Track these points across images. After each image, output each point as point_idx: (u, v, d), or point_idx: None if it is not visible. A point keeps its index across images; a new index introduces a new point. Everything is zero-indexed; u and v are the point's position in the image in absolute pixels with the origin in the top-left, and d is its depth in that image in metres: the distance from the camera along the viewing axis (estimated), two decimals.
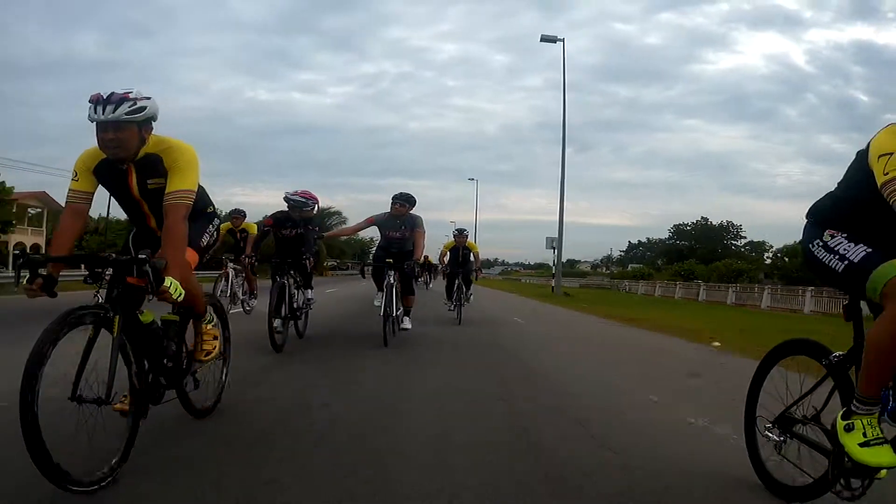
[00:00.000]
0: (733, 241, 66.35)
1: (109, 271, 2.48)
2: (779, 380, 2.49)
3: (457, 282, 10.29)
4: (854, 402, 1.99)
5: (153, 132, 2.70)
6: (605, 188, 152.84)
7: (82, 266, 2.73)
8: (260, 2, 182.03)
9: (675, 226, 72.26)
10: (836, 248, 2.09)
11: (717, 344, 8.40)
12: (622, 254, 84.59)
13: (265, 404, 3.73)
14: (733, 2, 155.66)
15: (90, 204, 2.78)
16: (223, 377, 3.55)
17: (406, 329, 7.18)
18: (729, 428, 3.16)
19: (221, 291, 8.72)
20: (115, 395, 2.27)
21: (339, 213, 68.06)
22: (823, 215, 2.26)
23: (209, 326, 3.18)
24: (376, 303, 6.84)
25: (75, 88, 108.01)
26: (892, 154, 1.85)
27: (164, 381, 2.79)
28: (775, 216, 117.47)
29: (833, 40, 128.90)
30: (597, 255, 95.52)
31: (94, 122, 2.53)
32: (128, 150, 2.60)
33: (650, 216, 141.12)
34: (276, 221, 6.70)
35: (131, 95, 2.54)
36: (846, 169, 2.21)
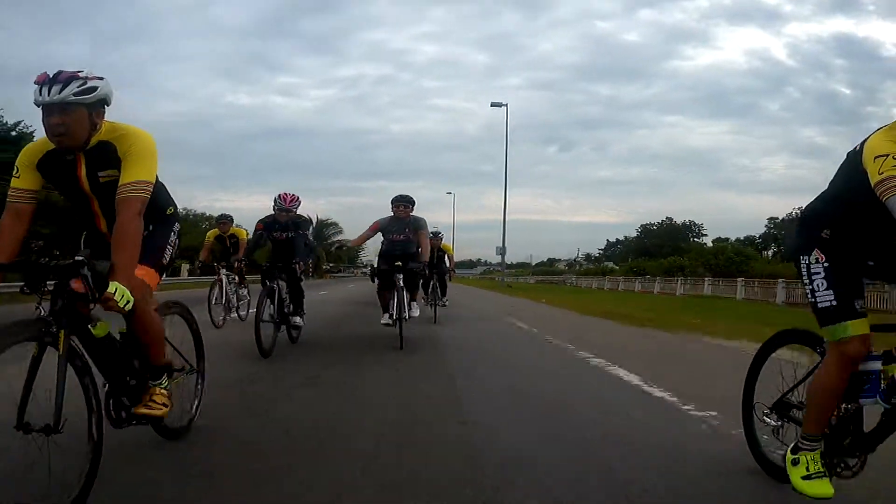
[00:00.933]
0: (695, 239, 68.98)
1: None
2: (773, 368, 2.51)
3: (432, 283, 10.49)
4: (800, 439, 2.21)
5: (106, 118, 2.41)
6: (589, 186, 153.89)
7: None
8: (240, 7, 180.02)
9: (642, 225, 75.75)
10: (813, 279, 2.20)
11: (544, 300, 18.96)
12: (601, 252, 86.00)
13: (246, 421, 3.39)
14: None
15: (35, 203, 2.47)
16: (198, 393, 3.22)
17: (414, 316, 7.06)
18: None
19: (216, 299, 8.44)
20: (66, 422, 1.96)
21: (335, 224, 71.77)
22: (815, 217, 2.29)
23: (161, 389, 2.61)
24: (383, 321, 6.74)
25: None
26: (888, 156, 1.89)
27: (128, 401, 2.49)
28: (760, 210, 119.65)
29: (814, 34, 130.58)
30: (581, 252, 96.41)
31: (40, 106, 2.25)
32: (76, 138, 2.31)
33: (636, 213, 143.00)
34: (265, 225, 6.66)
35: (81, 74, 2.28)
36: (836, 169, 2.23)
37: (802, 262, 2.26)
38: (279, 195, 6.54)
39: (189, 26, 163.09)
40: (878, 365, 2.07)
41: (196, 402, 3.20)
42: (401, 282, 6.59)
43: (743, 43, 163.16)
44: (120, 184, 2.34)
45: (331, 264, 67.99)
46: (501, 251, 36.20)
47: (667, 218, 73.35)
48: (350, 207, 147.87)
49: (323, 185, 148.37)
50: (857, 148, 2.08)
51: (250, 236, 7.67)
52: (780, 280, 21.68)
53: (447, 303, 11.10)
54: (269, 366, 5.28)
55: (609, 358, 5.89)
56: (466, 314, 12.15)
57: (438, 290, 10.59)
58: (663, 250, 60.16)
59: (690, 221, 71.94)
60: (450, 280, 11.64)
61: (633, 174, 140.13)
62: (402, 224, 6.87)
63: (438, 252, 10.84)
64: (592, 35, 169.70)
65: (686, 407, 3.81)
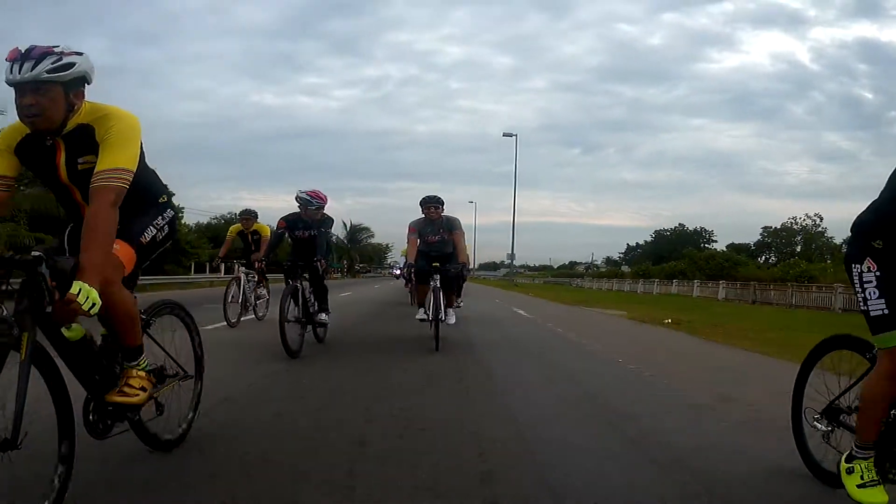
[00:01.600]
0: (705, 245, 69.64)
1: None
2: (820, 374, 2.56)
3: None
4: (854, 447, 2.24)
5: (86, 98, 2.20)
6: (612, 189, 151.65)
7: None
8: (265, 7, 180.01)
9: (656, 231, 77.32)
10: (864, 286, 2.24)
11: (531, 294, 27.04)
12: (621, 255, 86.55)
13: (258, 426, 3.15)
14: (737, 1, 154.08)
15: (12, 191, 2.24)
16: (194, 400, 2.91)
17: (451, 323, 7.01)
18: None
19: (233, 297, 8.21)
20: (27, 436, 1.73)
21: (367, 229, 75.59)
22: (867, 226, 2.31)
23: (138, 371, 2.34)
24: (419, 317, 6.80)
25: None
26: None
27: (111, 408, 2.25)
28: (783, 214, 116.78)
29: (838, 38, 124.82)
30: (603, 255, 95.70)
31: (11, 85, 2.06)
32: (51, 120, 2.11)
33: (661, 216, 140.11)
34: (288, 223, 6.56)
35: (56, 49, 2.08)
36: (887, 180, 2.25)
37: (854, 270, 2.30)
38: (307, 192, 6.28)
39: (214, 26, 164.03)
40: None
41: (192, 412, 2.90)
42: (437, 282, 6.57)
43: (768, 47, 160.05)
44: (95, 171, 2.11)
45: (362, 265, 72.57)
46: (511, 256, 50.87)
47: (679, 224, 75.08)
48: (374, 207, 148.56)
49: (347, 185, 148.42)
50: None
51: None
52: (751, 282, 25.79)
53: (461, 304, 11.13)
54: (290, 366, 5.20)
55: (538, 316, 12.70)
56: (475, 302, 15.95)
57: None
58: (672, 255, 60.70)
59: (702, 228, 73.16)
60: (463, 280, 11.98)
61: (657, 177, 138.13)
62: (435, 225, 6.85)
63: None
64: (616, 38, 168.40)
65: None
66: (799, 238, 61.78)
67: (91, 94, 2.25)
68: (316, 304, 6.37)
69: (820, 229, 60.46)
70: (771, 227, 64.49)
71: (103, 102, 2.28)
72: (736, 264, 39.81)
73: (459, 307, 11.14)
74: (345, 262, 64.45)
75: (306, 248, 6.42)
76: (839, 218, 62.64)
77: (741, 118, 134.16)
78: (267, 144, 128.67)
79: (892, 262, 2.22)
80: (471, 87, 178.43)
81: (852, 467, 2.23)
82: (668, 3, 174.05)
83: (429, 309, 6.64)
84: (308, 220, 6.40)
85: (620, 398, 4.27)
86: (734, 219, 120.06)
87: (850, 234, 2.42)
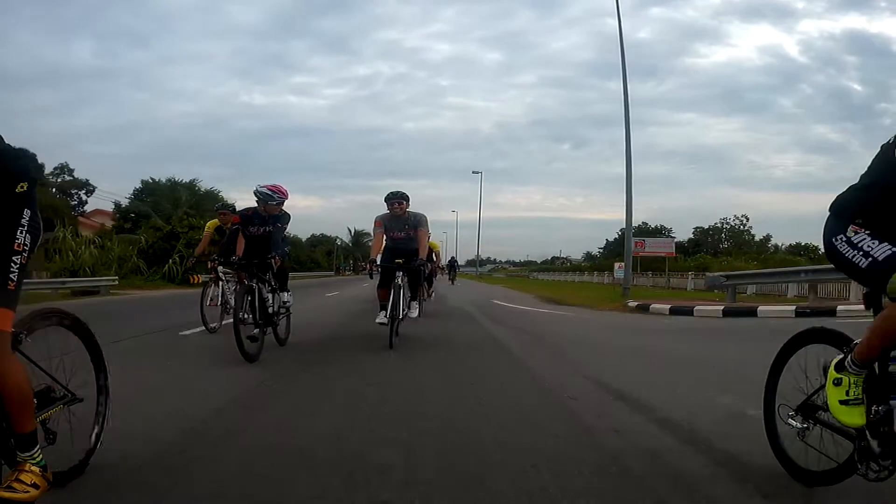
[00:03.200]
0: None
1: None
2: (797, 369, 2.43)
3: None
4: (849, 359, 2.09)
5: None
6: (602, 183, 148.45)
7: None
8: (254, 6, 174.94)
9: (620, 230, 78.74)
10: (860, 245, 2.06)
11: (484, 282, 42.44)
12: (600, 250, 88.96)
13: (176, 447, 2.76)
14: None
15: None
16: (98, 420, 2.50)
17: (412, 316, 6.88)
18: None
19: (211, 299, 7.65)
20: None
21: (368, 234, 78.67)
22: (846, 208, 2.20)
23: (31, 466, 1.91)
24: (378, 321, 6.40)
25: (70, 97, 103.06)
26: None
27: None
28: (772, 208, 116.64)
29: (826, 30, 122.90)
30: (591, 248, 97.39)
31: None
32: None
33: (650, 210, 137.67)
34: (243, 218, 6.29)
35: None
36: (870, 161, 2.16)
37: (838, 242, 2.14)
38: (266, 187, 6.00)
39: (203, 26, 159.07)
40: None
41: (95, 432, 2.49)
42: (400, 279, 6.36)
43: (756, 40, 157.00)
44: None
45: (362, 263, 78.59)
46: (476, 257, 66.07)
47: (643, 222, 78.41)
48: (364, 205, 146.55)
49: (338, 183, 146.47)
50: (891, 140, 2.02)
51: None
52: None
53: (433, 295, 11.97)
54: (250, 370, 4.93)
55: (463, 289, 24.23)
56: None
57: (426, 285, 10.93)
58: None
59: (661, 225, 76.53)
60: (436, 277, 12.75)
61: (646, 171, 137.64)
62: (400, 221, 6.64)
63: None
64: (604, 33, 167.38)
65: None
66: (724, 236, 65.62)
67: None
68: (273, 305, 5.96)
69: (745, 227, 64.76)
70: (702, 228, 68.67)
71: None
72: (663, 258, 42.64)
73: (430, 298, 11.72)
74: (350, 262, 78.86)
75: (260, 245, 6.11)
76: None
77: (729, 112, 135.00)
78: (257, 144, 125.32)
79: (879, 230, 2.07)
80: (460, 83, 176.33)
81: (840, 378, 2.11)
82: None
83: (392, 309, 6.29)
84: (265, 215, 6.12)
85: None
86: (723, 212, 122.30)
87: (828, 213, 2.28)
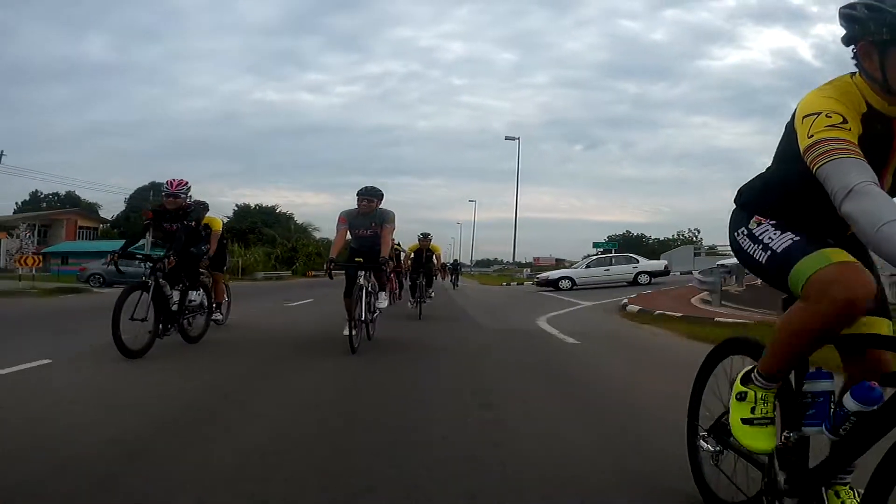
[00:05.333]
0: (645, 245, 77.50)
1: None
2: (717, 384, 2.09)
3: (419, 281, 10.75)
4: (755, 372, 1.74)
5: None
6: (614, 185, 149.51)
7: None
8: (267, 3, 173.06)
9: (608, 236, 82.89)
10: (760, 238, 1.74)
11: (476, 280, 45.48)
12: (599, 252, 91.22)
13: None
14: None
15: None
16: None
17: (381, 308, 6.48)
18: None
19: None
20: None
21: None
22: (752, 199, 1.88)
23: None
24: (346, 332, 5.71)
25: (84, 92, 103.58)
26: (819, 114, 1.47)
27: None
28: None
29: (840, 34, 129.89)
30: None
31: None
32: None
33: (662, 213, 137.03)
34: (155, 214, 6.10)
35: None
36: (776, 151, 1.81)
37: (739, 235, 1.82)
38: (167, 181, 5.84)
39: (217, 22, 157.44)
40: (828, 385, 1.65)
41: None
42: (362, 279, 5.88)
43: (770, 43, 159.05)
44: None
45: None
46: (471, 255, 59.15)
47: (626, 231, 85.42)
48: None
49: (349, 181, 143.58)
50: (793, 113, 1.62)
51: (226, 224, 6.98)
52: None
53: (433, 295, 11.52)
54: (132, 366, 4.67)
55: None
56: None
57: (425, 286, 10.82)
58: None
59: (641, 234, 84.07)
60: (436, 278, 12.47)
61: (658, 174, 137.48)
62: (367, 219, 6.15)
63: (427, 252, 11.41)
64: (618, 34, 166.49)
65: None
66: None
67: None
68: (178, 305, 5.72)
69: (697, 239, 68.32)
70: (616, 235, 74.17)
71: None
72: None
73: (431, 298, 11.30)
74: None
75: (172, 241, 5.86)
76: None
77: (743, 116, 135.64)
78: (269, 141, 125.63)
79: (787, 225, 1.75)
80: (473, 83, 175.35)
81: (745, 392, 1.73)
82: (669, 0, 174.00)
83: (357, 315, 5.70)
84: (172, 210, 5.88)
85: None
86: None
87: (733, 206, 1.96)
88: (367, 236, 6.21)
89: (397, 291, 15.31)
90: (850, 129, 1.46)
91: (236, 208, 56.98)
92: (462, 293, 21.48)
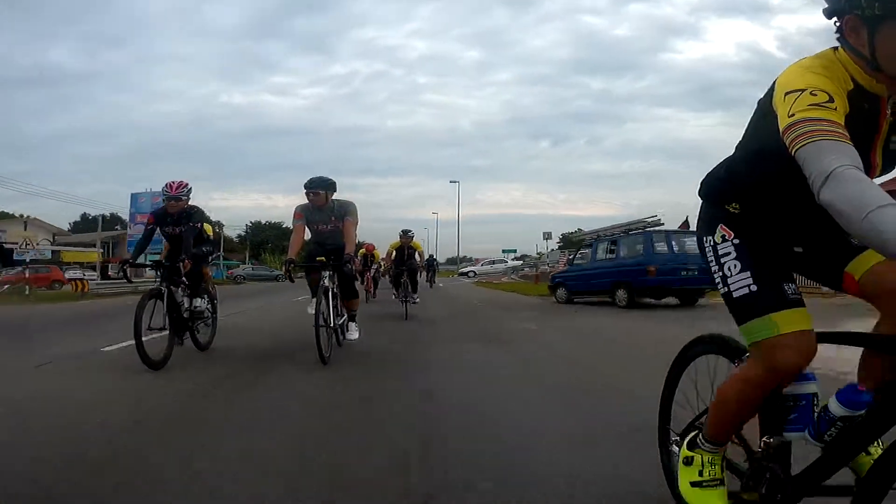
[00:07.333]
0: None
1: None
2: (689, 385, 1.97)
3: (402, 279, 10.44)
4: (700, 435, 1.70)
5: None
6: (582, 180, 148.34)
7: None
8: (232, 8, 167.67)
9: (562, 235, 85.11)
10: (722, 262, 1.63)
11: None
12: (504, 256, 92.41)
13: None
14: None
15: None
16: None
17: (352, 339, 5.88)
18: None
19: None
20: None
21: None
22: (719, 190, 1.72)
23: None
24: (310, 310, 5.22)
25: (50, 98, 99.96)
26: (802, 91, 1.32)
27: None
28: None
29: (803, 25, 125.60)
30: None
31: None
32: None
33: (630, 206, 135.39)
34: (156, 218, 5.80)
35: None
36: (743, 135, 1.64)
37: (706, 244, 1.70)
38: (166, 183, 5.55)
39: (182, 27, 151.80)
40: (812, 387, 1.54)
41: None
42: (326, 280, 5.38)
43: (733, 36, 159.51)
44: None
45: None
46: (457, 253, 66.48)
47: (578, 228, 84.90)
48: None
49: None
50: (769, 89, 1.46)
51: (218, 230, 6.73)
52: None
53: (418, 300, 10.97)
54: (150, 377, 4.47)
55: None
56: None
57: (409, 287, 10.44)
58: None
59: (654, 216, 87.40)
60: (421, 276, 12.27)
61: (626, 167, 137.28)
62: (324, 212, 5.64)
63: (409, 249, 11.07)
64: (582, 29, 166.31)
65: None
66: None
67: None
68: (189, 310, 5.58)
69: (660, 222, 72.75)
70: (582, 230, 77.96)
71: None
72: None
73: (416, 303, 10.91)
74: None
75: (177, 246, 5.64)
76: None
77: (707, 108, 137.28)
78: (238, 144, 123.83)
79: (753, 231, 1.63)
80: (439, 81, 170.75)
81: (692, 457, 1.68)
82: None
83: (317, 314, 5.12)
84: (175, 214, 5.65)
85: None
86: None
87: (698, 198, 1.81)
88: (326, 231, 5.74)
89: (372, 290, 14.99)
90: (835, 109, 1.31)
91: (250, 224, 72.61)
92: (443, 291, 21.87)
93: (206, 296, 5.90)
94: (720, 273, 1.64)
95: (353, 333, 5.96)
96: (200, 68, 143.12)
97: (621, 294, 12.69)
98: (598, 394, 3.95)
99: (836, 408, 1.44)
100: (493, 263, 49.16)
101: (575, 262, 15.88)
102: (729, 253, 1.63)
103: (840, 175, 1.18)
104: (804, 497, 1.47)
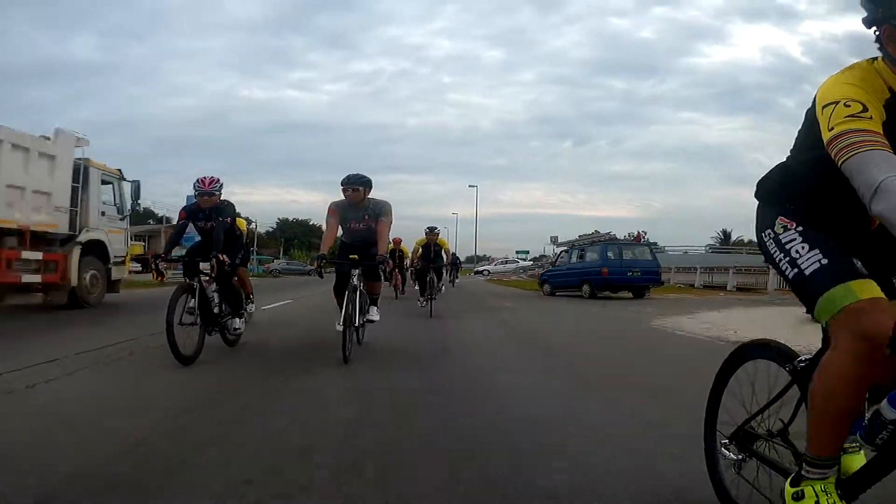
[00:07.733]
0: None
1: None
2: (737, 389, 2.02)
3: (428, 276, 10.40)
4: (804, 465, 1.53)
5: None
6: (604, 180, 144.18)
7: None
8: (253, 2, 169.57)
9: (580, 235, 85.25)
10: (788, 248, 1.62)
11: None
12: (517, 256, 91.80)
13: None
14: None
15: None
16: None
17: (372, 321, 5.90)
18: None
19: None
20: None
21: None
22: (774, 192, 1.77)
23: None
24: (338, 327, 5.09)
25: (71, 91, 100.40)
26: (837, 103, 1.38)
27: None
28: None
29: (828, 32, 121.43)
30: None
31: None
32: None
33: (651, 208, 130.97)
34: (189, 213, 5.80)
35: None
36: (796, 137, 1.72)
37: (766, 238, 1.69)
38: (198, 179, 5.53)
39: (203, 21, 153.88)
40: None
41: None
42: (356, 279, 5.35)
43: (758, 40, 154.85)
44: None
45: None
46: (475, 251, 68.81)
47: (595, 230, 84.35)
48: None
49: (339, 178, 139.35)
50: (812, 102, 1.54)
51: (251, 227, 6.78)
52: None
53: (444, 288, 11.40)
54: (183, 373, 4.46)
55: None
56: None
57: (435, 280, 10.47)
58: None
59: (609, 232, 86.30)
60: (448, 275, 13.05)
61: (648, 169, 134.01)
62: (359, 210, 5.58)
63: (435, 247, 11.26)
64: (606, 31, 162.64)
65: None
66: None
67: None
68: (222, 306, 5.49)
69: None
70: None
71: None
72: None
73: (441, 292, 11.11)
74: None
75: (209, 241, 5.60)
76: None
77: (732, 111, 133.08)
78: (257, 139, 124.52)
79: (814, 222, 1.65)
80: (462, 80, 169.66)
81: (801, 492, 1.51)
82: None
83: (346, 314, 5.11)
84: (206, 209, 5.64)
85: None
86: (726, 210, 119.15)
87: (755, 201, 1.85)
88: (359, 230, 5.68)
89: (401, 287, 15.05)
90: (871, 118, 1.36)
91: (278, 221, 75.44)
92: (461, 288, 22.44)
93: (244, 313, 5.94)
94: (787, 259, 1.61)
95: (374, 316, 5.96)
96: (220, 62, 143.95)
97: (586, 288, 17.90)
98: (525, 337, 7.16)
99: (888, 411, 1.45)
100: (506, 263, 54.80)
101: (556, 264, 21.38)
102: (794, 239, 1.63)
103: (887, 186, 1.25)
104: (858, 495, 1.50)
